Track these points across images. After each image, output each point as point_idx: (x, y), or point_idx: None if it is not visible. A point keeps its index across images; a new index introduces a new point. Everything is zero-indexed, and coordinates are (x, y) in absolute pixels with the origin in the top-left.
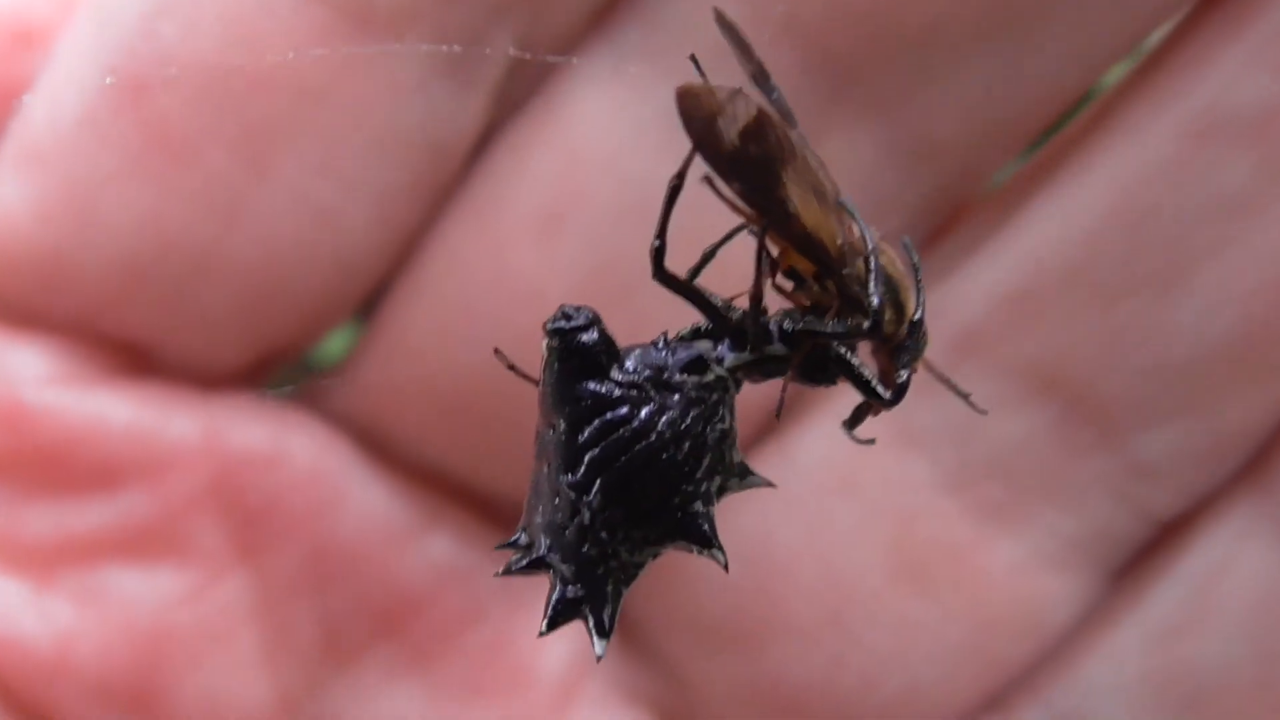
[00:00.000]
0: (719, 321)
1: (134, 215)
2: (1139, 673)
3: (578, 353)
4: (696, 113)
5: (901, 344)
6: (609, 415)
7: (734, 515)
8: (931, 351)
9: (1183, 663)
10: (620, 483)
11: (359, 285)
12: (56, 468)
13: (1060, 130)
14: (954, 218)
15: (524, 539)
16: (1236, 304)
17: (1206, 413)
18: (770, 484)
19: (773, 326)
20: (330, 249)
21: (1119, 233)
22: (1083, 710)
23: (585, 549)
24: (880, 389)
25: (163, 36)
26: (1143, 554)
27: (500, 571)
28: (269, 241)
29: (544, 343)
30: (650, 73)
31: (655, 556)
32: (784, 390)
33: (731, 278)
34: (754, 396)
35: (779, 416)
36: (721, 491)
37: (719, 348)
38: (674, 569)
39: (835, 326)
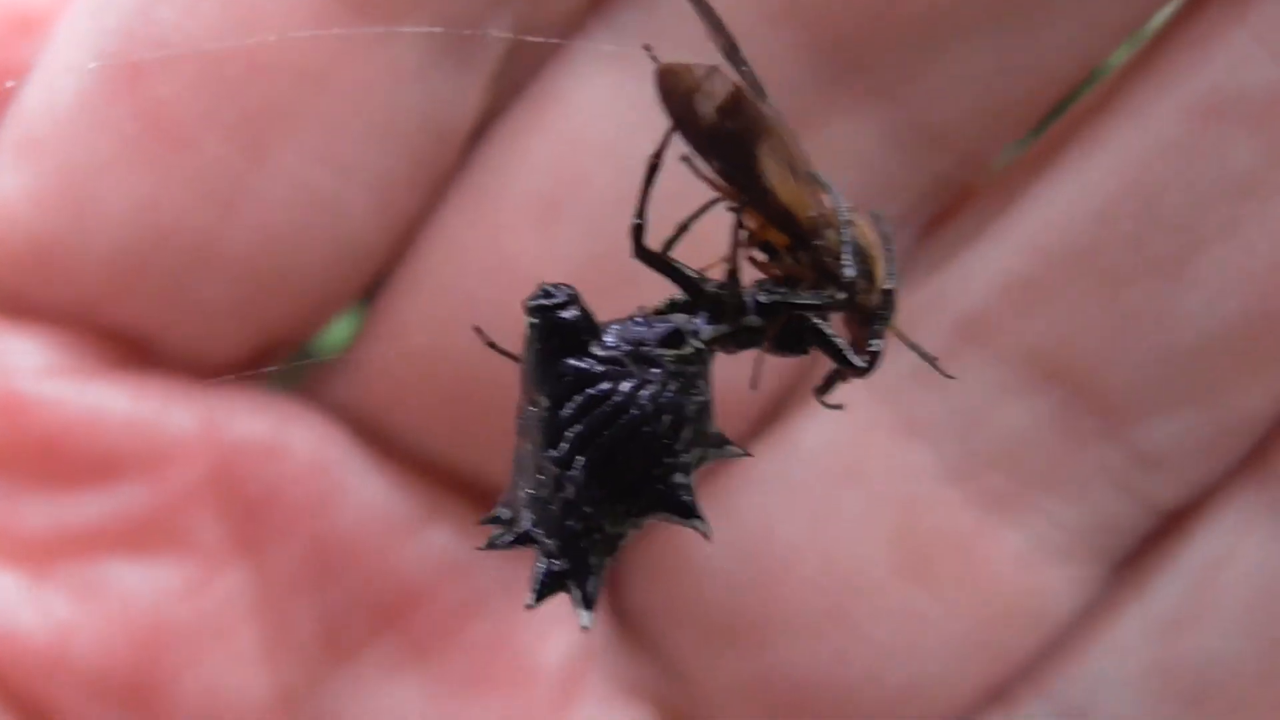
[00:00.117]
0: (696, 295)
1: (131, 203)
2: (1142, 664)
3: (558, 330)
4: (675, 90)
5: (873, 313)
6: (590, 391)
7: (735, 508)
8: (934, 338)
9: (1186, 654)
10: (603, 457)
11: (358, 273)
12: (54, 460)
13: (1064, 114)
14: (957, 203)
15: (507, 514)
16: (1243, 291)
17: (1211, 402)
18: (747, 453)
19: (748, 298)
20: (329, 236)
21: (1124, 218)
22: (1086, 702)
23: (569, 523)
24: (853, 357)
25: (160, 21)
26: (1146, 545)
27: (483, 546)
28: (267, 229)
29: (524, 320)
30: (649, 59)
31: (637, 528)
32: (759, 361)
33: (705, 249)
34: (750, 392)
35: (754, 388)
36: (700, 461)
37: (695, 320)
38: (676, 563)
39: (809, 298)
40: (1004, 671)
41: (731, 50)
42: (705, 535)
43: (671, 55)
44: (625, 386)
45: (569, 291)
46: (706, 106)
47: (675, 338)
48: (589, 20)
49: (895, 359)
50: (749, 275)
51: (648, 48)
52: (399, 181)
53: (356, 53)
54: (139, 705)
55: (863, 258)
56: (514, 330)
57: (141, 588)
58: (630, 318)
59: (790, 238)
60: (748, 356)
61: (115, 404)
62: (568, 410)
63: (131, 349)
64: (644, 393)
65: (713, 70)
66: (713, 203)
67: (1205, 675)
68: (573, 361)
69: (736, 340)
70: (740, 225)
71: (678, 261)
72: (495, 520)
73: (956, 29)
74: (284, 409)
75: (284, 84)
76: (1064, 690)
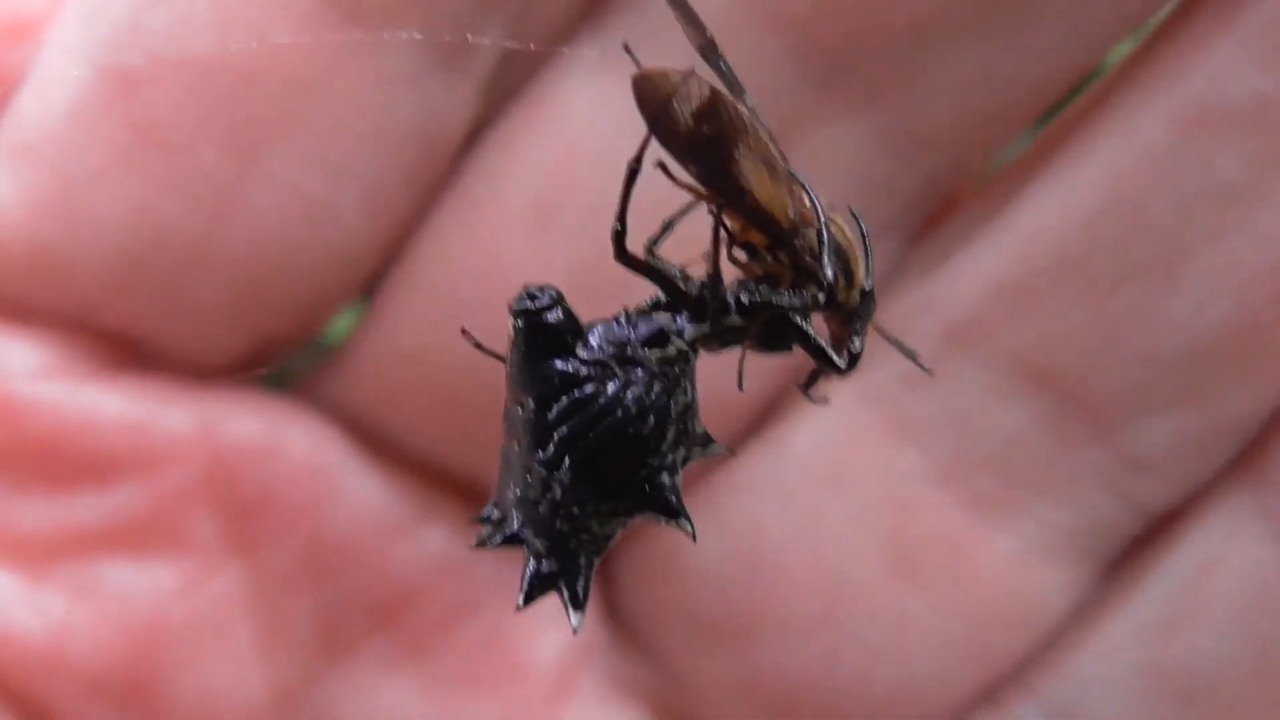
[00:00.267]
0: (679, 296)
1: (125, 208)
2: (1132, 666)
3: (543, 332)
4: (652, 96)
5: (852, 311)
6: (576, 393)
7: (727, 509)
8: (924, 343)
9: (1176, 656)
10: (589, 458)
11: (351, 278)
12: (50, 461)
13: (1053, 120)
14: (946, 208)
15: (496, 514)
16: (1230, 295)
17: (1200, 404)
18: (731, 452)
19: (730, 298)
20: (322, 241)
21: (1112, 223)
22: (1076, 703)
23: (557, 524)
24: (835, 357)
25: (151, 28)
26: (1136, 547)
27: (474, 545)
28: (260, 234)
29: (509, 322)
30: (642, 62)
31: (624, 527)
32: (742, 359)
33: (687, 246)
34: (740, 395)
35: (741, 388)
36: (685, 461)
37: (678, 320)
38: (669, 563)
39: (791, 298)
40: (994, 672)
41: (709, 47)
42: (690, 535)
43: (662, 58)
44: (610, 388)
45: (553, 293)
46: (683, 111)
47: (659, 338)
48: (579, 26)
49: (885, 363)
50: (731, 275)
51: (627, 48)
52: (391, 187)
53: (348, 59)
54: (136, 704)
55: (842, 257)
56: (505, 334)
57: (138, 588)
58: (614, 319)
59: (770, 238)
60: (734, 359)
61: (111, 406)
62: (553, 412)
63: (127, 351)
64: (629, 393)
65: (689, 74)
66: (694, 204)
67: (1195, 677)
68: (558, 363)
69: (720, 339)
70: (721, 226)
71: (662, 261)
72: (485, 520)
73: (945, 35)
74: (279, 410)
75: (276, 90)
76: (1054, 691)
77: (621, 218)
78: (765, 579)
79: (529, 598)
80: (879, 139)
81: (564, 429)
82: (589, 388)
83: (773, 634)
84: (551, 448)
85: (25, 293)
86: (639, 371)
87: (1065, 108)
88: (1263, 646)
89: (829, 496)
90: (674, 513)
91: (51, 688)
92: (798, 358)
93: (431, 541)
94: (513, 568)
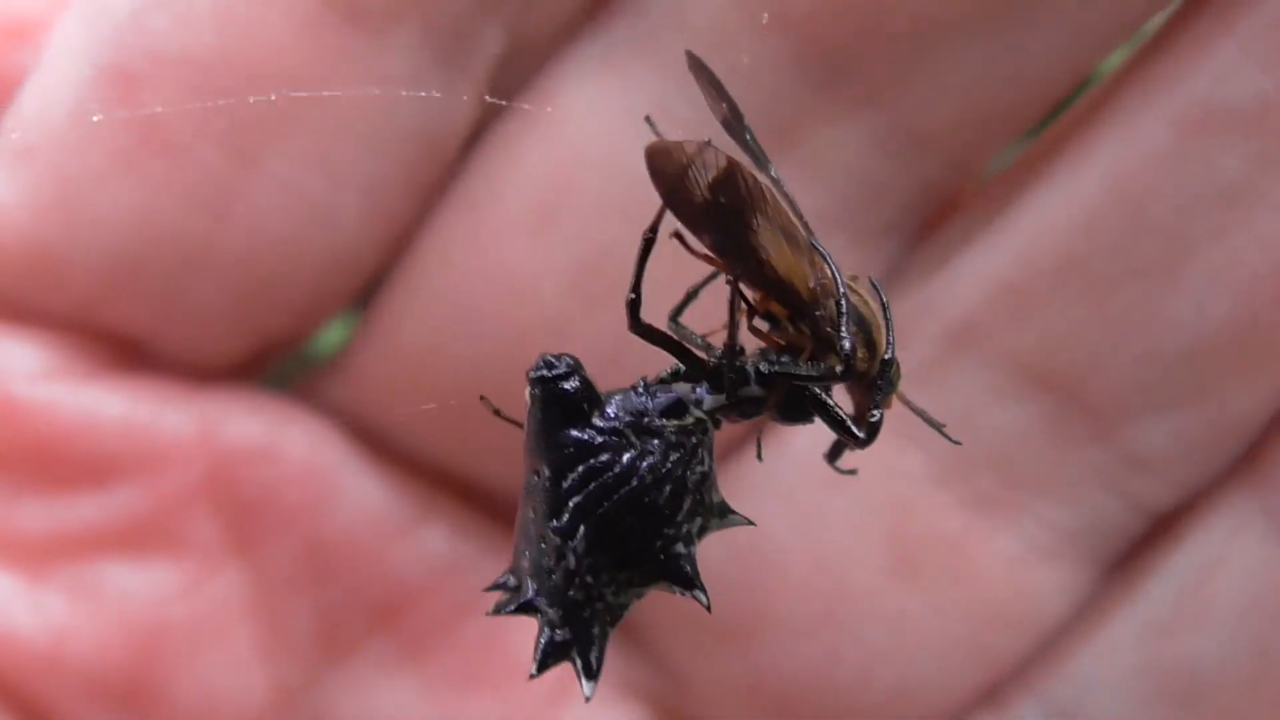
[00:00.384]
0: (697, 366)
1: (125, 209)
2: (1133, 666)
3: (560, 401)
4: (667, 168)
5: (874, 381)
6: (591, 462)
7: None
8: (926, 344)
9: (1177, 656)
10: (604, 528)
11: (351, 279)
12: (50, 462)
13: (1054, 121)
14: (947, 209)
15: (512, 581)
16: (1231, 295)
17: (1201, 404)
18: (750, 522)
19: (749, 368)
20: (322, 243)
21: (1113, 224)
22: (1077, 703)
23: (571, 593)
24: (854, 429)
25: (153, 29)
26: (1137, 547)
27: (490, 612)
28: (260, 235)
29: (526, 391)
30: (642, 64)
31: (639, 597)
32: (760, 431)
33: (709, 312)
34: None
35: (760, 458)
36: (702, 531)
37: (697, 390)
38: None
39: (810, 369)
40: (995, 672)
41: (734, 117)
42: (706, 607)
43: (662, 58)
44: (626, 457)
45: (570, 362)
46: (699, 182)
47: (677, 408)
48: (580, 28)
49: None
50: (753, 345)
51: (649, 119)
52: (392, 188)
53: (349, 61)
54: (136, 705)
55: (864, 327)
56: (505, 337)
57: (138, 589)
58: (632, 388)
59: (790, 308)
60: None
61: (111, 407)
62: (569, 480)
63: (127, 352)
64: (644, 463)
65: (705, 145)
66: (715, 273)
67: (1196, 677)
68: (574, 432)
69: (738, 410)
70: (739, 296)
71: (683, 329)
72: (502, 587)
73: (946, 37)
74: (279, 412)
75: (277, 91)
76: (1055, 691)
77: (636, 287)
78: (766, 579)
79: (542, 666)
80: (879, 140)
81: (579, 498)
82: (605, 456)
83: (773, 634)
84: (566, 516)
85: (25, 293)
86: (655, 441)
87: (1066, 110)
88: (1264, 647)
89: (829, 497)
90: (689, 583)
91: (51, 688)
92: (812, 423)
93: (431, 542)
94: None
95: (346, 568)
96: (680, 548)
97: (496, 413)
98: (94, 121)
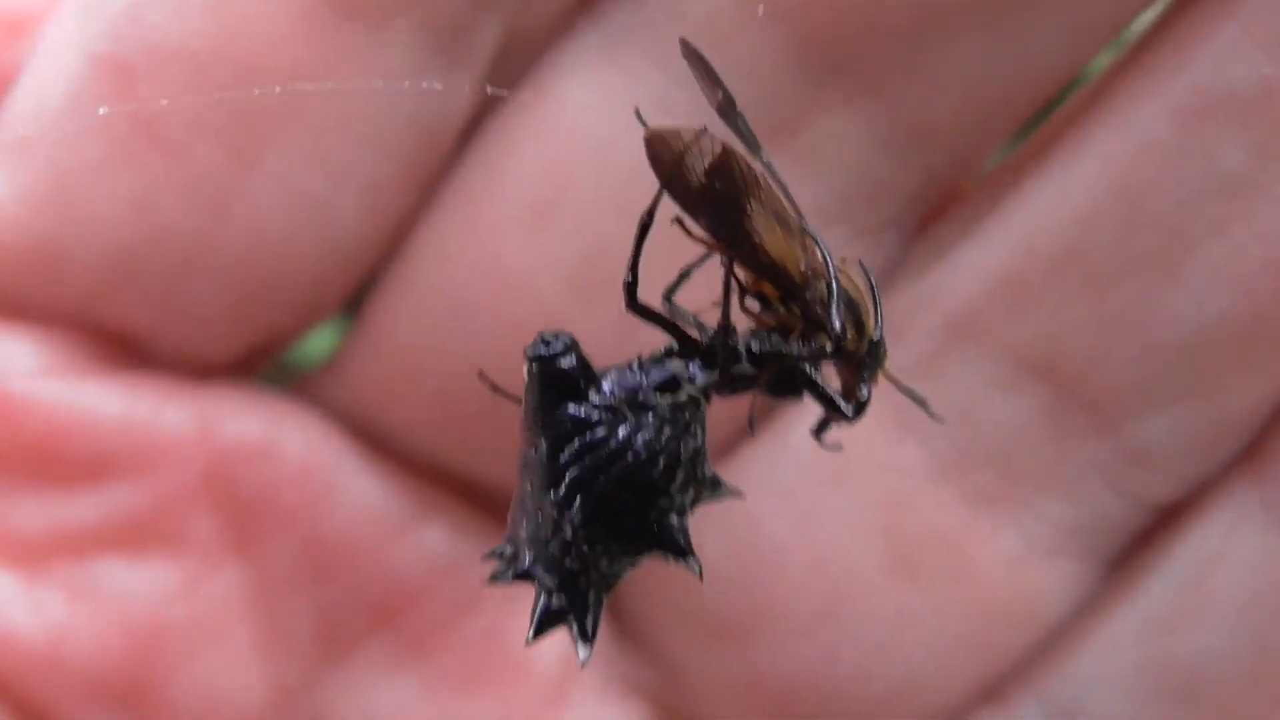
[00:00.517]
0: (691, 344)
1: (122, 205)
2: (1134, 662)
3: (556, 377)
4: (665, 153)
5: (862, 360)
6: (588, 436)
7: (726, 507)
8: (925, 337)
9: (1178, 652)
10: (600, 500)
11: (349, 275)
12: (48, 460)
13: (1052, 113)
14: (946, 202)
15: (509, 550)
16: (1232, 288)
17: (1202, 398)
18: (740, 494)
19: (741, 347)
20: (320, 239)
21: (1113, 216)
22: (1078, 700)
23: (567, 562)
24: (843, 405)
25: (149, 22)
26: (1138, 542)
27: (487, 580)
28: (258, 231)
29: (524, 368)
30: (640, 57)
31: (633, 566)
32: (753, 406)
33: (702, 292)
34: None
35: (753, 433)
36: (695, 503)
37: (690, 367)
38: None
39: (800, 348)
40: (995, 670)
41: (727, 105)
42: (698, 575)
43: (660, 51)
44: (621, 432)
45: (567, 340)
46: (696, 167)
47: (671, 384)
48: (578, 20)
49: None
50: (744, 324)
51: (638, 113)
52: (389, 183)
53: (346, 55)
54: (134, 704)
55: (853, 308)
56: (504, 332)
57: (136, 588)
58: (627, 365)
59: (781, 289)
60: None
61: (109, 404)
62: (566, 454)
63: (125, 349)
64: (639, 438)
65: (702, 131)
66: (709, 254)
67: (1197, 673)
68: (570, 407)
69: (730, 387)
70: (733, 277)
71: (676, 309)
72: (498, 556)
73: (944, 30)
74: (277, 409)
75: (274, 85)
76: (1056, 689)
77: (633, 269)
78: (764, 576)
79: (539, 632)
80: (878, 134)
81: (575, 471)
82: (601, 431)
83: (772, 632)
84: (563, 489)
85: (22, 289)
86: (650, 416)
87: (1064, 101)
88: (1265, 643)
89: (828, 493)
90: (682, 552)
91: (49, 688)
92: (801, 399)
93: (430, 541)
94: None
95: (346, 566)
96: (674, 519)
97: (495, 388)
98: (99, 114)
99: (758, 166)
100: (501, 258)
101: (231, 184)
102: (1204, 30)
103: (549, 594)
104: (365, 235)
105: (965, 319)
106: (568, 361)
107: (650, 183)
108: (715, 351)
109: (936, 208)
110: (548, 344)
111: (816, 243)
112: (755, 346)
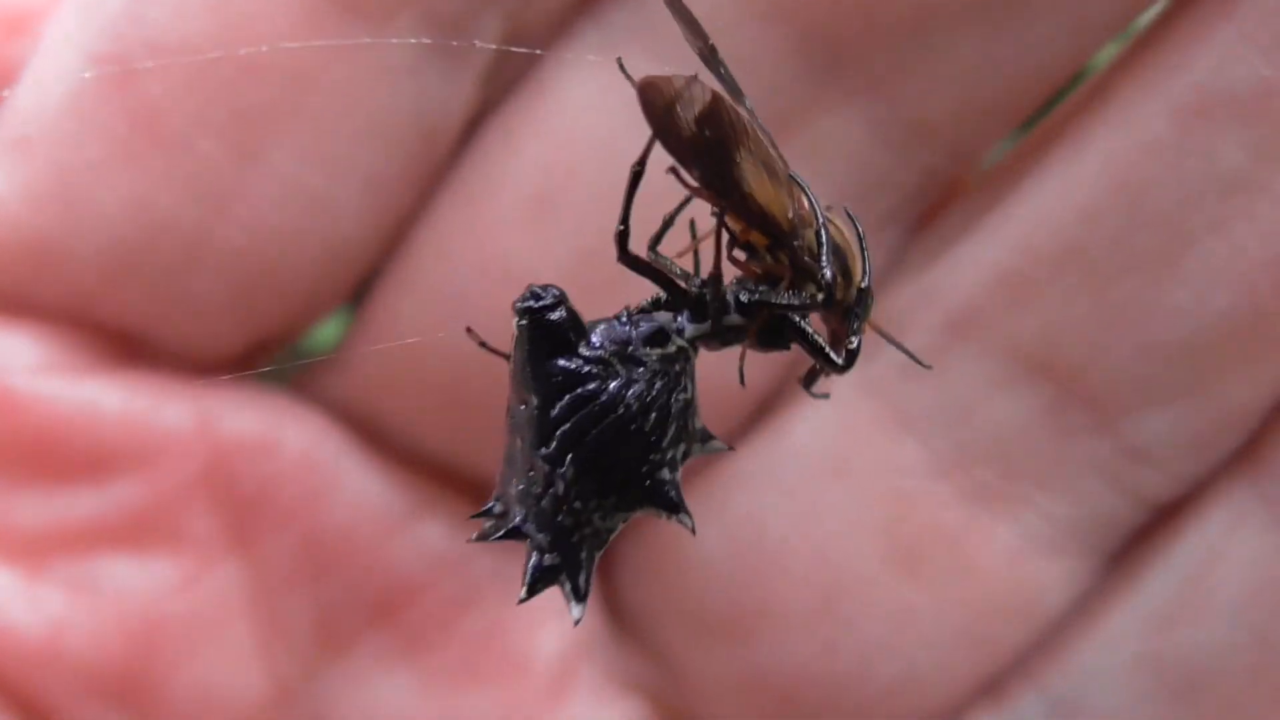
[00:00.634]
0: (680, 295)
1: (123, 202)
2: (1134, 658)
3: (546, 331)
4: (656, 101)
5: (850, 309)
6: (579, 390)
7: (726, 502)
8: (924, 334)
9: (1178, 647)
10: (591, 455)
11: (350, 271)
12: (48, 456)
13: (1053, 110)
14: (946, 199)
15: (498, 508)
16: (1231, 285)
17: (1201, 395)
18: (730, 448)
19: (730, 297)
20: (321, 235)
21: (1113, 213)
22: (1078, 695)
23: (560, 518)
24: (833, 354)
25: (149, 20)
26: (1138, 538)
27: (475, 538)
28: (259, 228)
29: (513, 321)
30: (640, 53)
31: (626, 522)
32: (742, 358)
33: (687, 240)
34: (740, 389)
35: (742, 383)
36: (685, 456)
37: (679, 319)
38: (668, 558)
39: (790, 297)
40: (995, 665)
41: (709, 53)
42: (691, 529)
43: (660, 49)
44: (612, 385)
45: (556, 293)
46: (686, 116)
47: (660, 336)
48: (578, 18)
49: (884, 355)
50: (732, 274)
51: (620, 64)
52: (389, 179)
53: (346, 52)
54: (133, 700)
55: (840, 256)
56: (505, 327)
57: (136, 583)
58: (615, 317)
59: (770, 238)
60: (735, 355)
61: (109, 400)
62: (556, 409)
63: (125, 346)
64: (630, 391)
65: (692, 79)
66: (688, 200)
67: (1196, 669)
68: (561, 362)
69: (719, 338)
70: (724, 227)
71: (665, 258)
72: (487, 514)
73: (945, 26)
74: (277, 405)
75: (274, 83)
76: (1056, 684)
77: (625, 219)
78: (764, 572)
79: (531, 590)
80: (878, 130)
81: (566, 426)
82: (591, 385)
83: (772, 628)
84: (554, 444)
85: (23, 286)
86: (640, 369)
87: (1064, 98)
88: (1265, 637)
89: (828, 489)
90: (674, 507)
91: (49, 684)
92: (797, 352)
93: (430, 536)
94: (511, 563)
95: (345, 562)
96: (665, 473)
97: (483, 344)
98: (84, 77)
99: (745, 115)
100: (502, 254)
101: (231, 180)
102: (1203, 31)
103: (541, 551)
104: (366, 231)
105: (965, 316)
106: (557, 314)
107: (649, 178)
108: (704, 302)
109: (936, 204)
110: (537, 296)
111: (804, 191)
112: (744, 296)
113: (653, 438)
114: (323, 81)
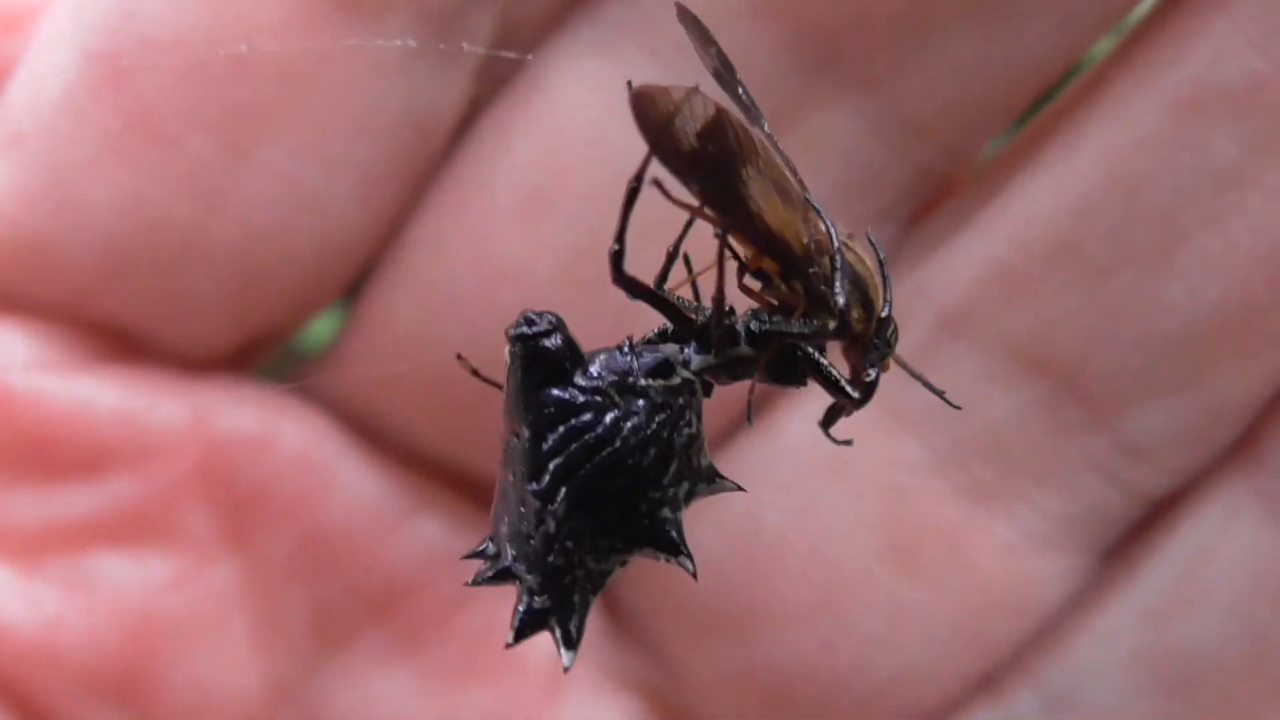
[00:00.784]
0: (683, 324)
1: (116, 199)
2: (1130, 652)
3: (540, 358)
4: (652, 114)
5: (870, 342)
6: (573, 422)
7: (722, 500)
8: (919, 330)
9: (1174, 642)
10: (585, 491)
11: (344, 268)
12: (43, 453)
13: (1047, 105)
14: (941, 194)
15: (491, 548)
16: (1226, 279)
17: (1196, 390)
18: (740, 488)
19: (739, 327)
20: (314, 232)
21: (1107, 208)
22: (1074, 690)
23: (551, 558)
24: (849, 388)
25: (143, 17)
26: (1133, 533)
27: (469, 582)
28: (252, 225)
29: (506, 349)
30: (635, 50)
31: (623, 564)
32: (751, 392)
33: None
34: (736, 386)
35: (750, 421)
36: (689, 497)
37: (685, 350)
38: None
39: (802, 327)
40: (992, 661)
41: (725, 69)
42: (692, 574)
43: (656, 48)
44: (609, 417)
45: (552, 319)
46: (687, 130)
47: (664, 368)
48: (571, 14)
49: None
50: (743, 304)
51: (630, 84)
52: (383, 176)
53: (338, 49)
54: (130, 697)
55: (860, 286)
56: (498, 325)
57: (132, 581)
58: (617, 347)
59: (782, 265)
60: None
61: (104, 397)
62: (549, 441)
63: (119, 342)
64: (628, 424)
65: (693, 91)
66: (689, 225)
67: (1193, 664)
68: (554, 391)
69: (728, 371)
70: (728, 251)
71: (663, 289)
72: (481, 555)
73: (938, 21)
74: (273, 402)
75: (268, 80)
76: (1052, 679)
77: (620, 238)
78: (761, 569)
79: (519, 635)
80: (873, 126)
81: (559, 459)
82: (587, 416)
83: (769, 624)
84: (546, 478)
85: (16, 283)
86: (640, 402)
87: (1059, 94)
88: (1260, 632)
89: (825, 486)
90: (675, 550)
91: (45, 681)
92: (805, 386)
93: (426, 534)
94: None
95: (342, 559)
96: (666, 512)
97: (475, 373)
98: (81, 74)
99: (757, 133)
100: (497, 250)
101: (225, 177)
102: (1197, 25)
103: (531, 594)
104: (360, 228)
105: (960, 312)
106: (552, 341)
107: (649, 196)
108: (710, 332)
109: (931, 200)
110: (531, 323)
111: (820, 215)
112: (755, 327)
113: (652, 474)
114: (315, 78)
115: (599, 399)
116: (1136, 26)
